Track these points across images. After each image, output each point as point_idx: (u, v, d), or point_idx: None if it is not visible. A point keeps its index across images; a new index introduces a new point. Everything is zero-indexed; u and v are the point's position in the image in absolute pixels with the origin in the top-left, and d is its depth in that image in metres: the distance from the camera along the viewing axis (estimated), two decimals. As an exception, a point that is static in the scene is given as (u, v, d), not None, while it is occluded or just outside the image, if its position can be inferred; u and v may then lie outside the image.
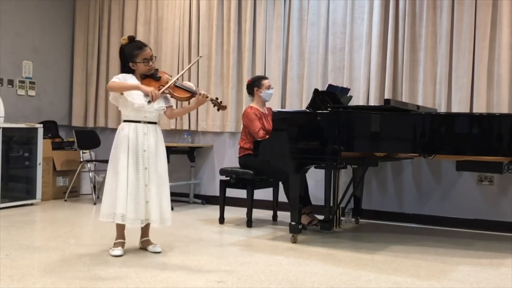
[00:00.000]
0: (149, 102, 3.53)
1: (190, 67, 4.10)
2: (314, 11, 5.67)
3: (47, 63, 6.83)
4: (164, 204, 3.67)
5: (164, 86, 3.65)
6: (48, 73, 6.84)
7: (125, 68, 3.71)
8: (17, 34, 6.43)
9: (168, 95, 3.73)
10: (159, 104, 3.68)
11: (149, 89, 3.53)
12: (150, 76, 3.70)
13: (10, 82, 6.36)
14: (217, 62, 6.17)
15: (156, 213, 3.62)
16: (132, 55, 3.64)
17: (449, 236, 4.68)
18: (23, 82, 6.51)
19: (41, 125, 6.03)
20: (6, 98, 6.05)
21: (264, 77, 5.09)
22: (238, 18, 6.09)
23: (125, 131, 3.61)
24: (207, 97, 3.68)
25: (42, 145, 5.95)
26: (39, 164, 5.90)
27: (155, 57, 3.79)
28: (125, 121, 3.68)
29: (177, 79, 3.73)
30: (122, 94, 3.61)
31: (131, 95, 3.59)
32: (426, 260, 3.71)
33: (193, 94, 3.70)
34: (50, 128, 6.56)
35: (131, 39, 3.71)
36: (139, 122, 3.64)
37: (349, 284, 3.10)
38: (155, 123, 3.73)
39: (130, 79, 3.64)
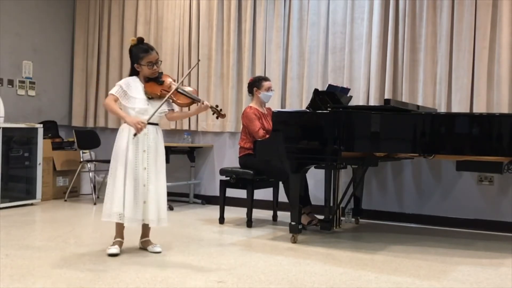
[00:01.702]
0: (134, 135, 3.52)
1: (190, 72, 4.15)
2: (314, 11, 5.68)
3: (47, 63, 6.82)
4: (161, 205, 3.70)
5: (166, 90, 3.68)
6: (48, 73, 6.84)
7: (132, 69, 3.74)
8: (17, 34, 6.43)
9: (170, 100, 3.75)
10: (161, 107, 3.68)
11: (133, 121, 3.50)
12: (154, 80, 3.72)
13: (10, 82, 6.36)
14: (217, 62, 6.17)
15: (154, 213, 3.64)
16: (137, 57, 3.67)
17: (449, 236, 4.68)
18: (23, 82, 6.51)
19: (41, 125, 6.03)
20: (6, 98, 6.05)
21: (266, 79, 5.08)
22: (238, 18, 6.09)
23: (125, 131, 3.63)
24: (207, 105, 3.73)
25: (42, 145, 5.95)
26: (39, 164, 5.90)
27: (161, 61, 3.81)
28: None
29: (179, 85, 3.75)
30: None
31: (132, 101, 3.61)
32: (426, 260, 3.71)
33: (193, 100, 3.75)
34: (50, 128, 6.55)
35: (140, 40, 3.74)
36: None
37: (349, 284, 3.10)
38: (156, 124, 3.74)
39: (133, 85, 3.66)
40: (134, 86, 3.66)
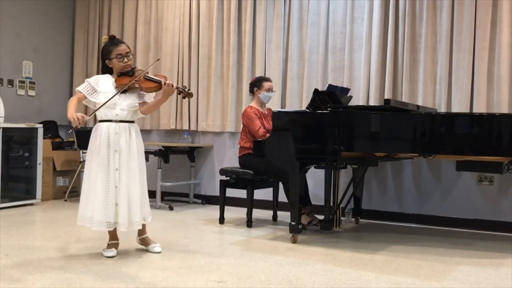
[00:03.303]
0: (71, 128, 3.46)
1: (153, 64, 4.08)
2: (314, 11, 5.68)
3: (47, 63, 6.83)
4: (133, 208, 3.54)
5: (133, 79, 3.57)
6: (48, 73, 6.84)
7: (103, 68, 3.67)
8: (17, 34, 6.43)
9: (139, 89, 3.63)
10: (130, 101, 3.59)
11: (69, 115, 3.41)
12: (125, 73, 3.62)
13: (10, 82, 6.36)
14: (217, 62, 6.17)
15: (124, 217, 3.51)
16: (107, 51, 3.60)
17: (449, 236, 4.68)
18: (23, 82, 6.51)
19: (41, 125, 6.03)
20: (6, 98, 6.04)
21: (267, 79, 5.07)
22: (238, 18, 6.09)
23: (97, 131, 3.56)
24: (172, 85, 3.57)
25: (42, 145, 5.95)
26: (39, 164, 5.91)
27: (132, 54, 3.70)
28: (99, 121, 3.62)
29: (145, 72, 3.62)
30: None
31: (101, 96, 3.52)
32: (426, 260, 3.71)
33: (159, 83, 3.59)
34: (50, 128, 6.56)
35: (112, 37, 3.67)
36: (110, 121, 3.56)
37: (349, 284, 3.10)
38: (129, 122, 3.61)
39: (103, 80, 3.58)
40: (103, 82, 3.58)
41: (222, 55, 6.18)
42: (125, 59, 3.59)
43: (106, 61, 3.62)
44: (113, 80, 3.61)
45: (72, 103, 3.52)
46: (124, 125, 3.58)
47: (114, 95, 3.51)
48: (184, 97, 3.68)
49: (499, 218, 4.89)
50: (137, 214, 3.56)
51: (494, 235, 4.74)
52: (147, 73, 3.66)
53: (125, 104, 3.58)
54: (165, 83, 3.55)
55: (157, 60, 4.34)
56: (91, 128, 6.65)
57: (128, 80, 3.58)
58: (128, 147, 3.56)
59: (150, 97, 3.71)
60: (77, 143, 6.33)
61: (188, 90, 3.65)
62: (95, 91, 3.55)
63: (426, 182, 5.19)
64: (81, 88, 3.56)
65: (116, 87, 3.57)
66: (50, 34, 6.86)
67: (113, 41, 3.64)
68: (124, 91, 3.57)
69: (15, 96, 6.42)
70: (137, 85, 3.60)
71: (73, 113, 3.39)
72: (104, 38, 3.70)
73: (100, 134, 3.54)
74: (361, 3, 5.44)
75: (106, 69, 3.67)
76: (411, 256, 3.83)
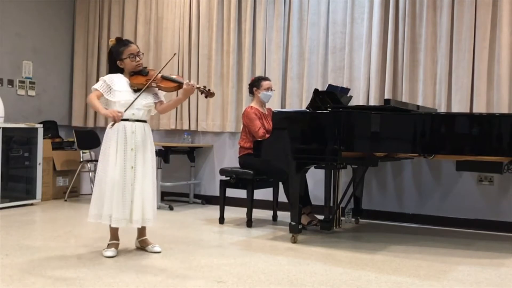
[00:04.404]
0: (112, 124, 3.51)
1: (168, 62, 4.05)
2: (314, 11, 5.68)
3: (47, 63, 6.82)
4: (147, 205, 3.62)
5: (151, 79, 3.62)
6: (48, 73, 6.84)
7: (113, 68, 3.70)
8: (17, 34, 6.43)
9: (156, 89, 3.69)
10: (147, 100, 3.64)
11: (107, 112, 3.48)
12: (138, 73, 3.67)
13: (10, 82, 6.36)
14: (217, 62, 6.17)
15: (138, 213, 3.58)
16: (118, 52, 3.64)
17: (449, 236, 4.68)
18: (23, 82, 6.51)
19: (41, 125, 6.03)
20: (6, 98, 6.04)
21: (265, 78, 5.08)
22: (238, 18, 6.09)
23: (113, 129, 3.58)
24: (193, 85, 3.62)
25: (42, 145, 5.95)
26: (39, 164, 5.90)
27: (142, 53, 3.76)
28: None
29: (161, 71, 3.69)
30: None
31: (116, 95, 3.57)
32: (426, 260, 3.71)
33: (180, 84, 3.65)
34: (50, 128, 6.55)
35: (118, 39, 3.72)
36: (127, 120, 3.59)
37: (349, 284, 3.10)
38: (144, 121, 3.67)
39: (117, 79, 3.62)
40: (118, 81, 3.62)
41: (222, 55, 6.18)
42: (137, 58, 3.65)
43: (118, 62, 3.66)
44: (127, 80, 3.65)
45: (96, 101, 3.56)
46: (140, 124, 3.64)
47: (141, 92, 3.56)
48: (206, 97, 3.70)
49: (499, 218, 4.89)
50: (149, 211, 3.64)
51: (494, 235, 4.74)
52: (161, 74, 3.70)
53: (142, 103, 3.62)
54: (187, 84, 3.61)
55: (174, 55, 4.32)
56: (91, 128, 6.62)
57: (143, 79, 3.63)
58: (143, 145, 3.63)
59: (164, 96, 3.78)
60: (77, 143, 6.33)
61: (209, 89, 3.68)
62: (111, 90, 3.59)
63: (426, 182, 5.19)
64: (97, 86, 3.59)
65: (132, 86, 3.62)
66: (50, 34, 6.86)
67: (123, 42, 3.70)
68: (138, 90, 3.61)
69: (15, 96, 6.42)
70: (154, 84, 3.64)
71: (110, 110, 3.50)
72: (111, 40, 3.74)
73: (116, 133, 3.57)
74: (361, 3, 5.44)
75: (115, 70, 3.70)
76: (411, 256, 3.83)
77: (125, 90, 3.60)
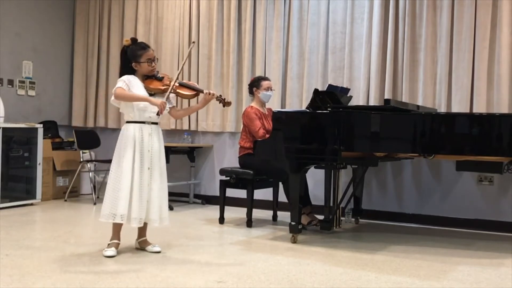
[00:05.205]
0: (158, 114, 3.57)
1: (187, 59, 4.07)
2: (314, 11, 5.68)
3: (47, 63, 6.83)
4: (163, 204, 3.73)
5: (167, 85, 3.69)
6: (48, 73, 6.84)
7: (125, 69, 3.72)
8: (17, 34, 6.43)
9: (172, 95, 3.75)
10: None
11: (158, 101, 3.56)
12: (152, 77, 3.74)
13: (10, 82, 6.36)
14: (217, 62, 6.17)
15: (156, 213, 3.66)
16: (136, 55, 3.67)
17: (449, 236, 4.68)
18: (23, 82, 6.51)
19: (41, 125, 6.03)
20: (6, 98, 6.05)
21: (265, 78, 5.08)
22: (238, 18, 6.09)
23: (130, 131, 3.62)
24: (213, 94, 3.75)
25: (42, 145, 5.95)
26: (39, 164, 5.90)
27: (157, 59, 3.83)
28: (129, 122, 3.68)
29: (178, 76, 3.75)
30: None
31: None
32: (426, 260, 3.71)
33: (198, 92, 3.77)
34: (50, 128, 6.55)
35: (134, 40, 3.75)
36: (143, 122, 3.66)
37: (349, 284, 3.10)
38: (157, 123, 3.76)
39: (134, 82, 3.65)
40: (135, 83, 3.66)
41: (222, 55, 6.18)
42: (153, 64, 3.72)
43: (133, 63, 3.69)
44: (141, 83, 3.70)
45: (132, 93, 3.60)
46: (155, 126, 3.74)
47: (167, 95, 3.64)
48: (224, 106, 3.87)
49: (499, 218, 4.89)
50: (165, 210, 3.74)
51: (494, 235, 4.74)
52: (178, 77, 3.78)
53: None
54: (207, 93, 3.74)
55: (193, 43, 4.32)
56: (91, 128, 6.63)
57: (159, 84, 3.72)
58: (159, 147, 3.74)
59: (175, 100, 3.90)
60: (77, 143, 6.33)
61: (225, 99, 3.84)
62: (130, 91, 3.63)
63: (426, 182, 5.19)
64: (121, 85, 3.62)
65: (148, 90, 3.68)
66: (50, 34, 6.86)
67: (140, 45, 3.73)
68: (152, 95, 3.68)
69: (15, 96, 6.42)
70: (172, 90, 3.70)
71: (157, 99, 3.57)
72: (126, 40, 3.76)
73: (133, 135, 3.62)
74: (361, 3, 5.44)
75: (128, 70, 3.72)
76: (411, 256, 3.83)
77: (141, 92, 3.65)
